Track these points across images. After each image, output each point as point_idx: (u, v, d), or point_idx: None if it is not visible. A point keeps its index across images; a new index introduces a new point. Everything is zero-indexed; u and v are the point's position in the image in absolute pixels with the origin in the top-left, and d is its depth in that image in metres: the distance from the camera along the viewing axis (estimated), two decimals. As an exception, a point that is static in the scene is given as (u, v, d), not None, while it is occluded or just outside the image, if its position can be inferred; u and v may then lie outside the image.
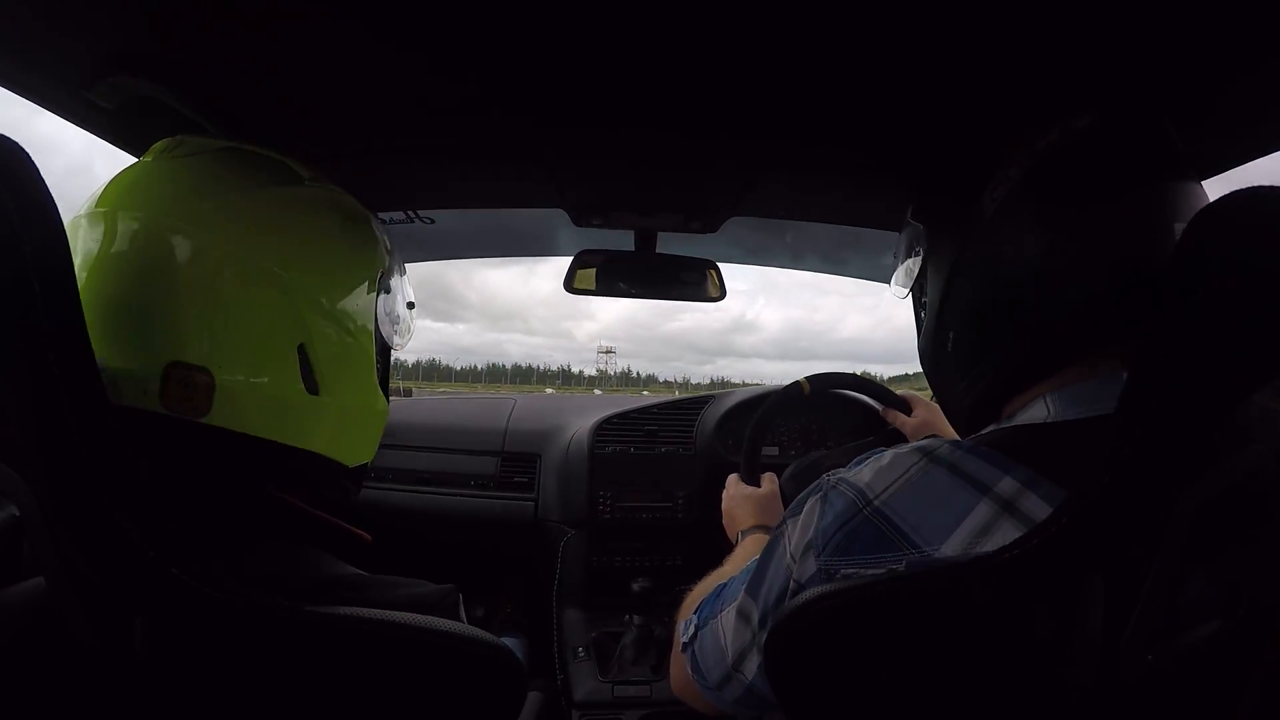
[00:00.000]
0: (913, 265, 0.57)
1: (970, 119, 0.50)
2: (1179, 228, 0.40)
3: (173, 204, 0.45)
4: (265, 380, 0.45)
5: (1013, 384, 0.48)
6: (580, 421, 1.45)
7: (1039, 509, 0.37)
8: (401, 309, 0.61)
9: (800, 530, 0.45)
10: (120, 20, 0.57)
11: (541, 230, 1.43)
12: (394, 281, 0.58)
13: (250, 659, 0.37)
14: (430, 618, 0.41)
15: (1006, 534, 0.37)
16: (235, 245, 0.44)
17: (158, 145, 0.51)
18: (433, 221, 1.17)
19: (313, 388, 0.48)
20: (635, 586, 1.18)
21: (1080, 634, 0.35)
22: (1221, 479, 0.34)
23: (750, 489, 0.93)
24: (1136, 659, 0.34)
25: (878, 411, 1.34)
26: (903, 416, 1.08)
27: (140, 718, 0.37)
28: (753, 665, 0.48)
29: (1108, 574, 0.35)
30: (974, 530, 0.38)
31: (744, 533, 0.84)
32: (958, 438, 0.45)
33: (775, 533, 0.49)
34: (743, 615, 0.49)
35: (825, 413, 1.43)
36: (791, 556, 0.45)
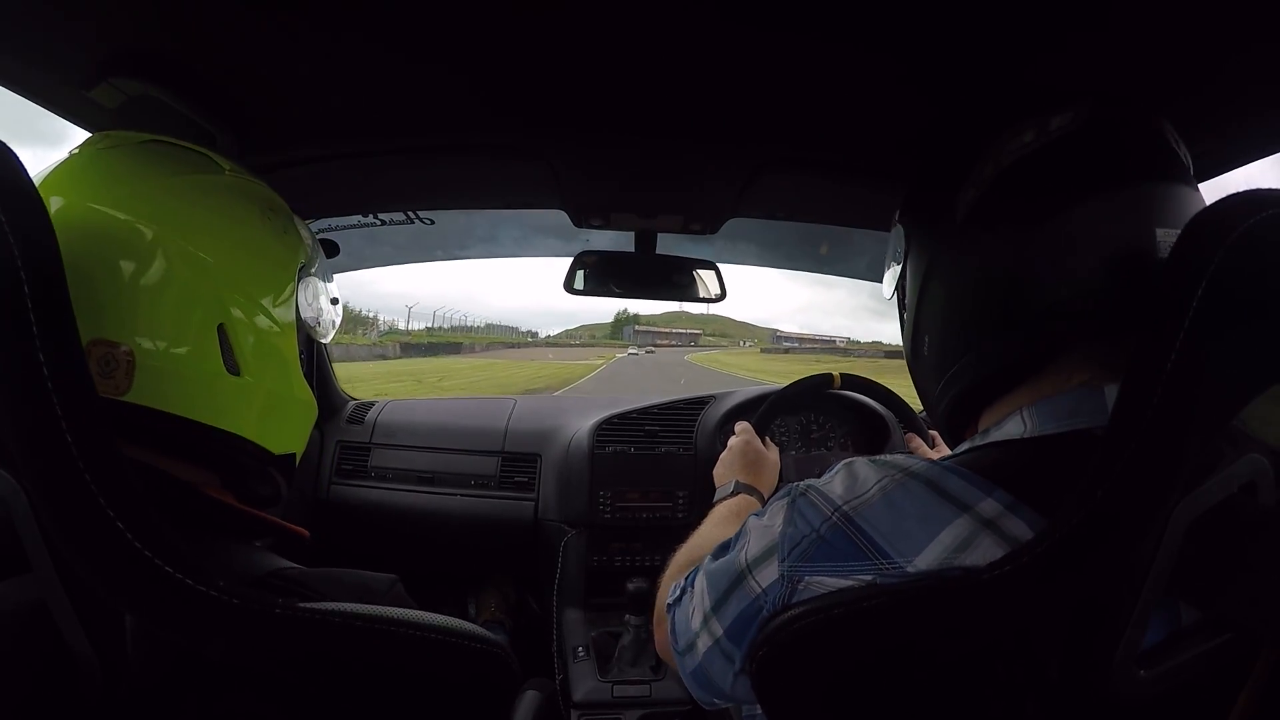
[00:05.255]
0: (897, 267, 0.56)
1: (962, 116, 0.49)
2: (1160, 233, 0.39)
3: (93, 189, 0.45)
4: (184, 351, 0.45)
5: (984, 393, 0.47)
6: (580, 422, 1.45)
7: (1022, 530, 0.36)
8: (324, 302, 0.61)
9: (761, 534, 0.45)
10: (120, 20, 0.57)
11: (540, 230, 1.43)
12: (316, 273, 0.59)
13: (243, 658, 0.36)
14: (423, 613, 0.41)
15: (988, 550, 0.36)
16: (153, 225, 0.45)
17: (87, 140, 0.51)
18: (432, 222, 1.17)
19: (234, 368, 0.48)
20: (630, 586, 1.18)
21: (1069, 652, 0.34)
22: (1216, 491, 0.33)
23: (750, 441, 0.95)
24: (1128, 674, 0.33)
25: (888, 425, 1.33)
26: (925, 448, 1.05)
27: (132, 719, 0.37)
28: (701, 649, 0.48)
29: (1098, 590, 0.34)
30: (952, 544, 0.37)
31: (720, 489, 0.86)
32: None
33: (740, 529, 0.49)
34: (700, 603, 0.49)
35: (830, 414, 1.43)
36: (748, 563, 0.44)
